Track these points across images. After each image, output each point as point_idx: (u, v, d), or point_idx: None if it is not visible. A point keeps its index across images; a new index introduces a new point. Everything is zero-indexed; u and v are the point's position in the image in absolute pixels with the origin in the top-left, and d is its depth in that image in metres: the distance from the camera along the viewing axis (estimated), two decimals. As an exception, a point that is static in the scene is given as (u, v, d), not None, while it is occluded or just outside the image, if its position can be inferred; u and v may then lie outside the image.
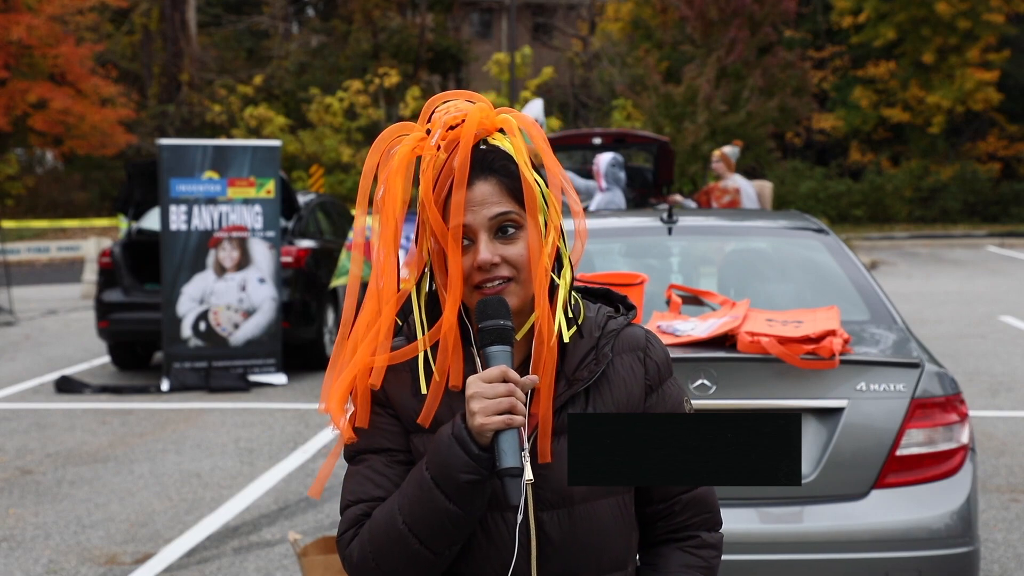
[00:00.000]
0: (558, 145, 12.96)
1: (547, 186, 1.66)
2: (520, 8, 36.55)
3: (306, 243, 10.18)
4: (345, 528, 1.65)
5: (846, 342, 3.52)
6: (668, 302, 4.11)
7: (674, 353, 3.55)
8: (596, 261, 4.74)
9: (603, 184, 9.15)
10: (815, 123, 31.90)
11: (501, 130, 1.66)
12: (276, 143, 9.89)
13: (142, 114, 32.04)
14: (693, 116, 25.41)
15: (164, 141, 9.45)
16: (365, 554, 1.61)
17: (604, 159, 9.17)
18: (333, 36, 34.51)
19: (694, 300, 4.17)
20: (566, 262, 1.68)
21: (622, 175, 9.16)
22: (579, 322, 1.70)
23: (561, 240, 1.68)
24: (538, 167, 1.69)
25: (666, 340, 3.67)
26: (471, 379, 1.55)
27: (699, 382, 3.45)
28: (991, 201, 30.62)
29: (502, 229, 1.62)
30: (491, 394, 1.52)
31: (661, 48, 30.26)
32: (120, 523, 5.70)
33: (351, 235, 9.35)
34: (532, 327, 1.64)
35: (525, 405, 1.55)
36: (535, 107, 11.40)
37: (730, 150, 9.86)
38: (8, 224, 22.30)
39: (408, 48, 33.19)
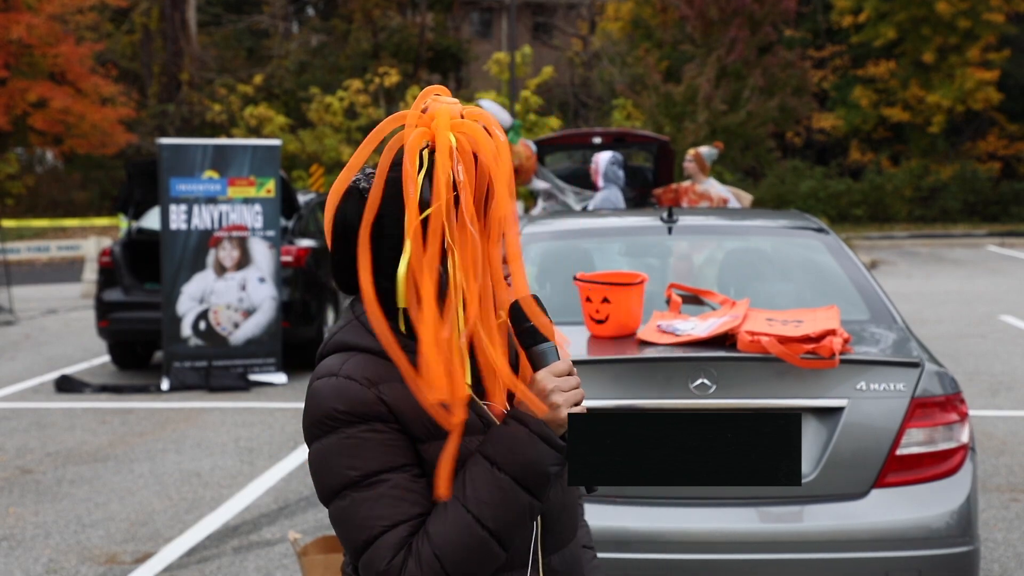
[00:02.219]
0: (558, 144, 12.97)
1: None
2: (520, 7, 36.54)
3: (306, 242, 10.19)
4: (392, 554, 1.55)
5: (846, 341, 3.52)
6: (668, 301, 4.11)
7: (674, 352, 3.56)
8: (596, 260, 4.74)
9: (600, 183, 9.15)
10: (815, 122, 31.91)
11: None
12: (276, 142, 9.88)
13: (142, 113, 32.05)
14: (693, 116, 25.42)
15: (164, 140, 9.44)
16: (434, 572, 1.55)
17: (603, 158, 9.16)
18: (333, 35, 34.51)
19: (694, 299, 4.17)
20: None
21: (621, 174, 9.15)
22: None
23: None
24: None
25: (666, 339, 3.68)
26: (542, 374, 1.60)
27: (699, 381, 3.45)
28: (991, 200, 30.61)
29: None
30: (567, 387, 1.61)
31: (661, 47, 30.27)
32: (120, 522, 5.70)
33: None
34: None
35: None
36: (494, 108, 11.48)
37: (707, 151, 9.21)
38: (8, 223, 22.30)
39: (408, 47, 33.19)
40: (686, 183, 9.00)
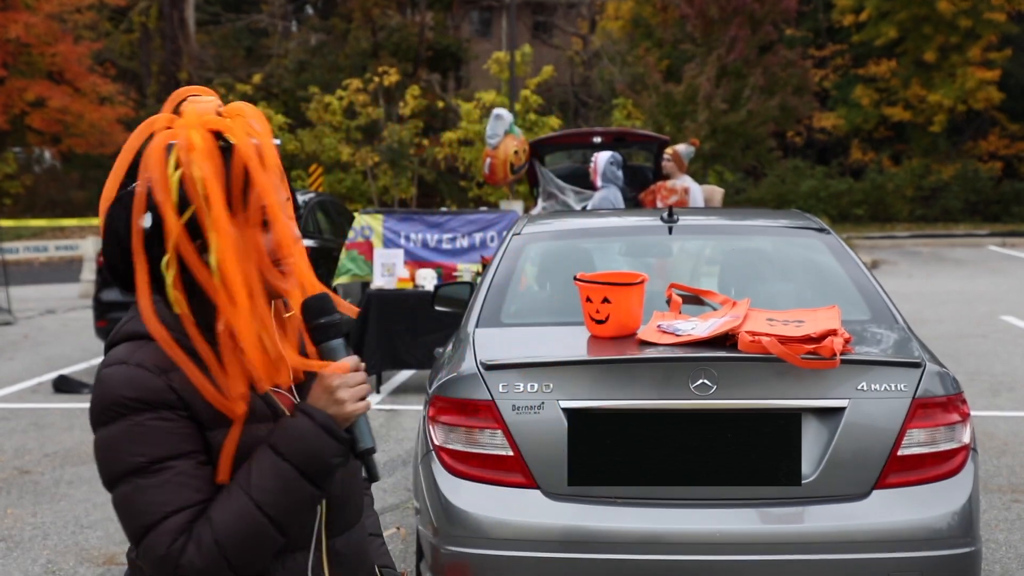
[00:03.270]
0: (558, 144, 12.95)
1: None
2: (520, 6, 36.53)
3: (305, 242, 10.14)
4: (172, 540, 1.59)
5: (847, 342, 3.50)
6: (668, 301, 4.09)
7: (675, 353, 3.54)
8: (596, 260, 4.72)
9: (599, 182, 9.16)
10: (816, 122, 31.89)
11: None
12: (275, 142, 9.85)
13: (141, 112, 32.00)
14: (694, 115, 25.40)
15: (163, 140, 9.40)
16: (214, 557, 1.59)
17: (602, 157, 9.19)
18: (332, 34, 34.49)
19: (694, 299, 4.15)
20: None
21: (620, 174, 9.17)
22: None
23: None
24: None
25: (666, 339, 3.66)
26: (327, 371, 1.65)
27: (699, 382, 3.43)
28: (992, 200, 30.59)
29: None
30: (354, 383, 1.65)
31: (661, 47, 30.25)
32: (118, 523, 5.67)
33: (351, 234, 9.33)
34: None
35: None
36: (508, 115, 11.63)
37: (684, 149, 9.47)
38: (6, 223, 22.28)
39: (408, 46, 33.17)
40: (660, 182, 9.41)
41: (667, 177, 9.44)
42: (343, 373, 1.65)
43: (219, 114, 1.68)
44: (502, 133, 11.55)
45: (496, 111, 11.65)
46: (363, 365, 1.68)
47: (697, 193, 9.24)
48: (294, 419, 1.65)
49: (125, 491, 1.62)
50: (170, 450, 1.62)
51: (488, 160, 11.67)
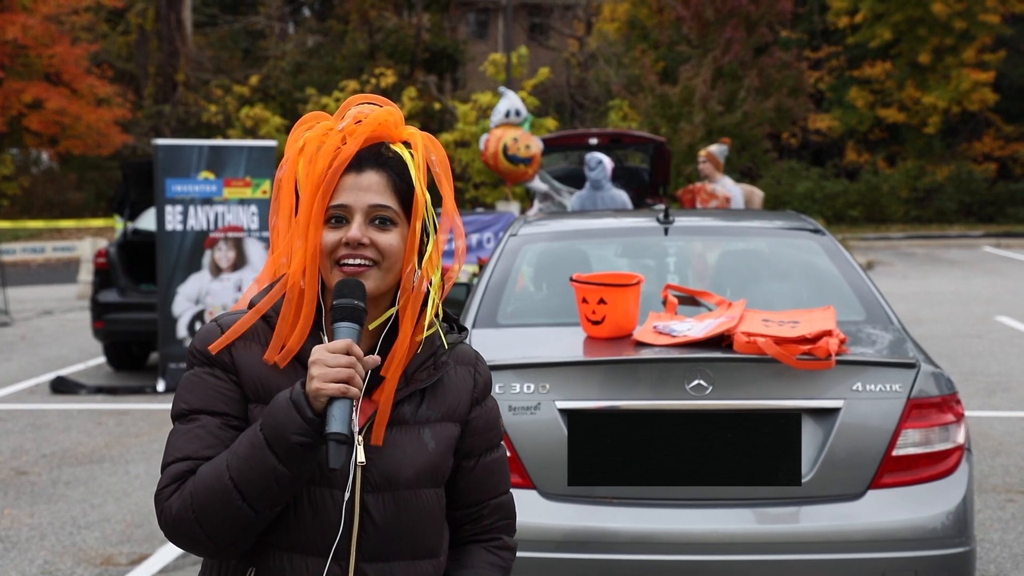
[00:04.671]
0: (555, 145, 12.98)
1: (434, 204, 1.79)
2: (516, 8, 36.53)
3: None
4: (167, 483, 1.69)
5: (842, 342, 3.52)
6: (664, 302, 4.11)
7: (670, 353, 3.56)
8: (593, 261, 4.74)
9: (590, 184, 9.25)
10: (811, 123, 31.92)
11: (407, 144, 1.77)
12: (272, 143, 9.88)
13: (138, 114, 32.00)
14: (689, 116, 25.42)
15: (160, 141, 9.44)
16: (185, 509, 1.65)
17: (587, 159, 9.29)
18: (329, 36, 34.48)
19: (690, 300, 4.16)
20: (438, 275, 1.79)
21: (592, 174, 9.16)
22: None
23: (438, 254, 1.79)
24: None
25: (662, 340, 3.67)
26: (316, 348, 1.65)
27: (695, 382, 3.45)
28: (987, 201, 30.64)
29: (380, 219, 1.72)
30: (332, 363, 1.61)
31: (657, 48, 30.26)
32: (116, 524, 5.69)
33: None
34: (386, 322, 1.76)
35: (363, 382, 1.64)
36: (515, 96, 11.92)
37: (717, 149, 9.28)
38: (4, 224, 22.27)
39: (404, 48, 33.16)
40: (700, 183, 9.10)
41: (706, 178, 9.16)
42: (326, 351, 1.63)
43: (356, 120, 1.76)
44: (503, 110, 11.82)
45: (501, 88, 12.10)
46: (356, 350, 1.63)
47: (739, 198, 8.98)
48: (283, 391, 1.67)
49: (171, 430, 1.76)
50: (207, 404, 1.73)
51: (485, 135, 12.11)
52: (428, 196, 1.77)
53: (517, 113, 11.89)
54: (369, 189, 1.72)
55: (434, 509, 1.79)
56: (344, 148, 1.71)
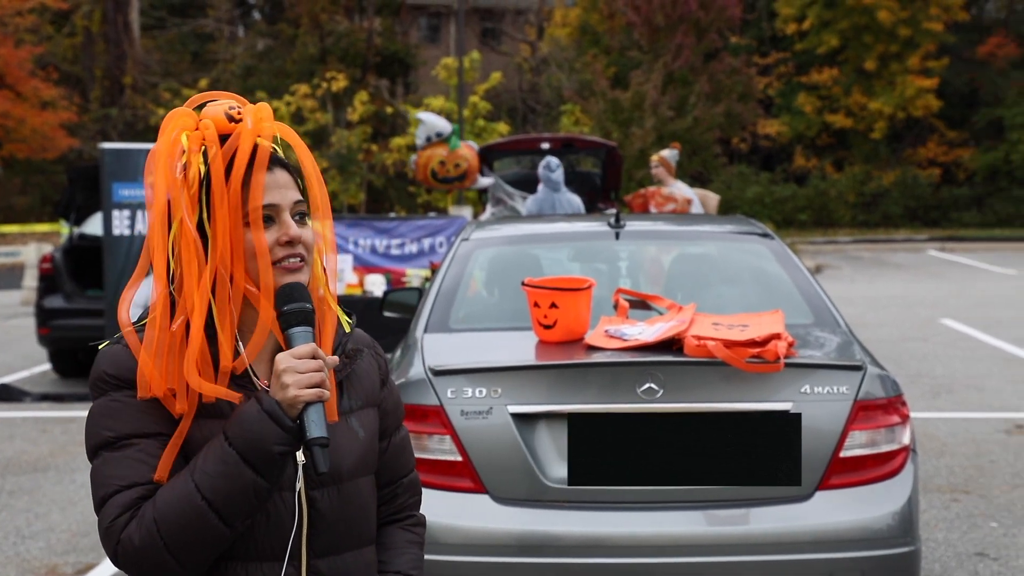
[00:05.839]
0: (506, 149, 12.98)
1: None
2: (468, 13, 36.51)
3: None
4: (118, 513, 1.62)
5: (791, 345, 3.56)
6: (616, 306, 4.13)
7: (622, 357, 3.57)
8: (545, 265, 4.75)
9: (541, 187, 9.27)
10: (760, 129, 32.26)
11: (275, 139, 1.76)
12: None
13: (84, 117, 31.53)
14: (640, 121, 25.58)
15: (107, 145, 9.31)
16: (151, 536, 1.60)
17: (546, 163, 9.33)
18: (279, 39, 34.22)
19: (641, 304, 4.19)
20: (333, 259, 1.82)
21: (553, 175, 9.21)
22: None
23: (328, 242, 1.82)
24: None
25: (614, 344, 3.69)
26: (281, 355, 1.63)
27: (646, 386, 3.46)
28: (932, 206, 31.18)
29: (300, 215, 1.74)
30: (303, 369, 1.61)
31: (608, 54, 30.43)
32: (61, 533, 5.59)
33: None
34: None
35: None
36: (430, 118, 11.90)
37: (669, 153, 9.32)
38: (-55, 229, 21.82)
39: (356, 52, 33.01)
40: (653, 187, 9.13)
41: (659, 183, 9.19)
42: (294, 358, 1.62)
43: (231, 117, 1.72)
44: (423, 136, 11.76)
45: (419, 114, 12.02)
46: (321, 353, 1.64)
47: (697, 202, 9.01)
48: (245, 404, 1.64)
49: (96, 464, 1.68)
50: (137, 428, 1.66)
51: (413, 158, 12.00)
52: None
53: (439, 135, 11.81)
54: (287, 186, 1.73)
55: (371, 496, 1.83)
56: (261, 147, 1.69)
